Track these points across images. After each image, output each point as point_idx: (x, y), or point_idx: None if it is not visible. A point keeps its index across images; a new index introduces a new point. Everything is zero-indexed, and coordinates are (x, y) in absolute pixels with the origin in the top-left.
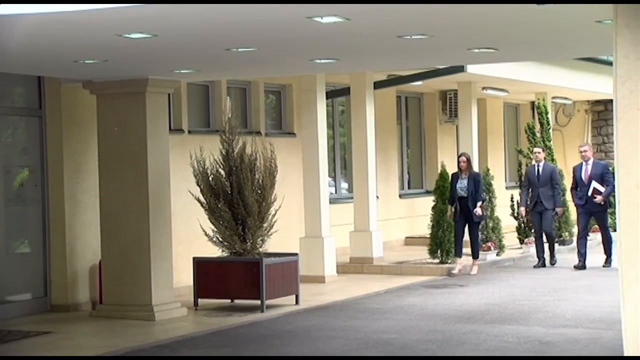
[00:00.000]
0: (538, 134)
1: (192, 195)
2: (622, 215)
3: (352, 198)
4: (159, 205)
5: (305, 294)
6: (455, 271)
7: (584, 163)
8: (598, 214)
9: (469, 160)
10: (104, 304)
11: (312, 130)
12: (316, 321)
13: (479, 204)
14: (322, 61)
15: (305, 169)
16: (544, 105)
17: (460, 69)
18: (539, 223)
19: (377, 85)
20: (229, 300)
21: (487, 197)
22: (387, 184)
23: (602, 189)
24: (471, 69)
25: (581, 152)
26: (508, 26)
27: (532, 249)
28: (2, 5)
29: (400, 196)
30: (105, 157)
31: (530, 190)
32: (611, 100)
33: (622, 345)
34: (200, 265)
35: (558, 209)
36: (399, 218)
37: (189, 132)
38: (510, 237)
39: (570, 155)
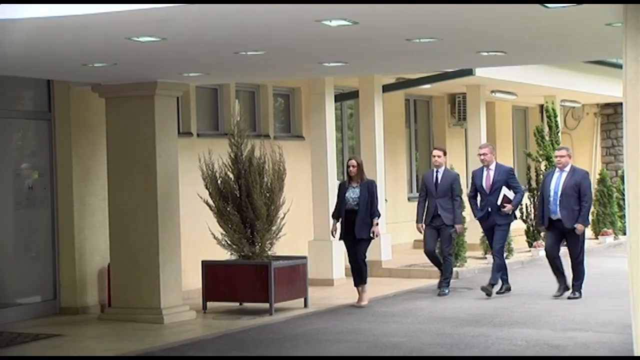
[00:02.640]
0: (547, 137)
1: (201, 198)
2: (632, 218)
3: None
4: (168, 209)
5: (314, 297)
6: (364, 302)
7: (484, 168)
8: (500, 227)
9: (359, 165)
10: (112, 306)
11: (320, 133)
12: (325, 324)
13: (376, 220)
14: (331, 64)
15: (313, 172)
16: (552, 109)
17: (469, 72)
18: (434, 242)
19: (386, 88)
20: (238, 304)
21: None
22: (396, 187)
23: (511, 195)
24: (480, 72)
25: (480, 154)
26: (517, 29)
27: (542, 252)
28: (9, 7)
29: (408, 199)
30: (114, 161)
31: (427, 201)
32: (621, 103)
33: (632, 349)
34: (209, 269)
35: (457, 226)
36: (408, 221)
37: (198, 135)
38: (518, 240)
39: (579, 159)
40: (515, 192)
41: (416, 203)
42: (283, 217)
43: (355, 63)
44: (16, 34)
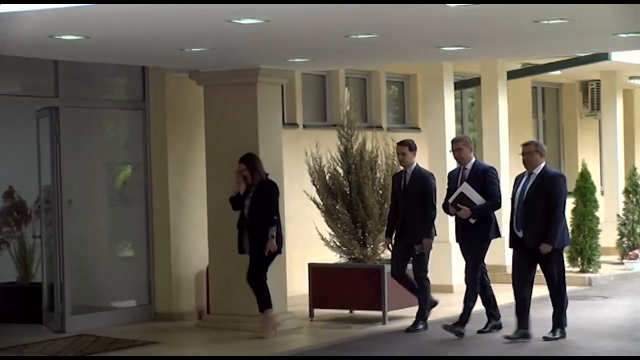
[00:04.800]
0: None
1: (308, 195)
2: None
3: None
4: None
5: None
6: (264, 334)
7: (461, 167)
8: (468, 244)
9: (249, 165)
10: (211, 313)
11: (438, 124)
12: (443, 335)
13: (271, 232)
14: (450, 48)
15: (430, 166)
16: None
17: (603, 56)
18: (401, 260)
19: (511, 75)
20: (348, 311)
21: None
22: None
23: (477, 199)
24: (616, 56)
25: (453, 151)
26: None
27: None
28: None
29: None
30: (213, 154)
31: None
32: None
33: None
34: (317, 272)
35: (424, 241)
36: None
37: (304, 126)
38: None
39: None
40: (487, 198)
41: None
42: None
43: (477, 47)
44: (109, 18)
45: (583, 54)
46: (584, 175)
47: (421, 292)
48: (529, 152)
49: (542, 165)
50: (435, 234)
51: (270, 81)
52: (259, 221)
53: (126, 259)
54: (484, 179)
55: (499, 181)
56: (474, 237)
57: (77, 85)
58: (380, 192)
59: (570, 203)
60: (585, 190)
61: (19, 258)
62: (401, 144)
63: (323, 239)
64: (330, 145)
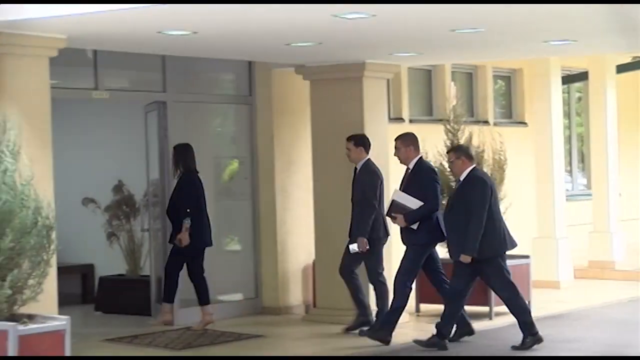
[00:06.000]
0: None
1: None
2: None
3: (590, 195)
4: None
5: (538, 300)
6: (155, 321)
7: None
8: (408, 248)
9: (178, 154)
10: (317, 307)
11: (545, 119)
12: (549, 331)
13: (186, 223)
14: (558, 43)
15: (538, 162)
16: None
17: None
18: (348, 262)
19: (620, 69)
20: None
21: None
22: (631, 180)
23: (413, 203)
24: None
25: (395, 148)
26: None
27: None
28: None
29: None
30: (319, 149)
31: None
32: None
33: None
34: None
35: (358, 240)
36: None
37: (410, 121)
38: None
39: None
40: (425, 200)
41: None
42: (504, 212)
43: (585, 41)
44: (216, 14)
45: None
46: None
47: (376, 291)
48: (450, 161)
49: (468, 170)
50: (388, 234)
51: (376, 76)
52: (176, 213)
53: (233, 252)
54: (423, 179)
55: (438, 182)
56: (415, 242)
57: (185, 80)
58: None
59: None
60: None
61: (128, 251)
62: (347, 139)
63: None
64: (436, 140)
